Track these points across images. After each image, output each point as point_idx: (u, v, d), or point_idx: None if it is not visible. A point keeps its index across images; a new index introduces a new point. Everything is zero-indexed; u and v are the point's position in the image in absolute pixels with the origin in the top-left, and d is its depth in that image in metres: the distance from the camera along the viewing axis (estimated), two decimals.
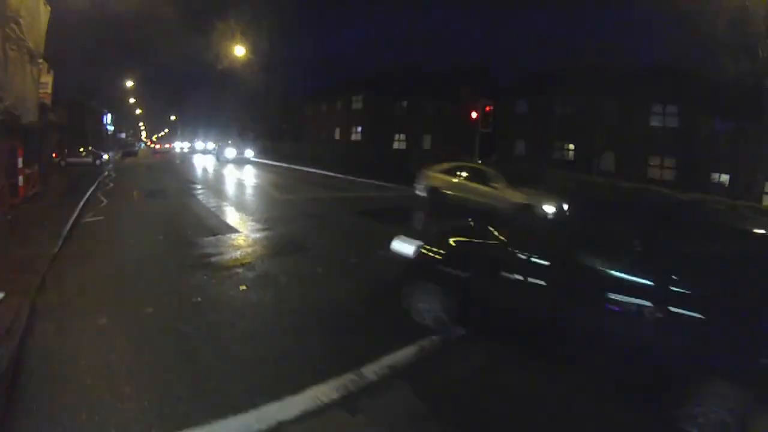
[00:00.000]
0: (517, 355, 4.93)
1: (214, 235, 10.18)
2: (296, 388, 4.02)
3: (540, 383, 4.47)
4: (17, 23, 11.79)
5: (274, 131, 55.88)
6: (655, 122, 30.01)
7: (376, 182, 22.54)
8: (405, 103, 42.37)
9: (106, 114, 61.88)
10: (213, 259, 8.25)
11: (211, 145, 67.00)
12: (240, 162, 37.41)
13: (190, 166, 35.90)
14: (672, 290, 3.79)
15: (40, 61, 15.21)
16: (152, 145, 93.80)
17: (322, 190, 19.49)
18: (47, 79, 18.43)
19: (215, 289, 6.73)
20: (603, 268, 4.24)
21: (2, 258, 8.08)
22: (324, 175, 27.79)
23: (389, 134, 41.89)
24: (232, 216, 12.61)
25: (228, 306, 6.09)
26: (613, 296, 4.04)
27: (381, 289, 6.79)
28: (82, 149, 34.78)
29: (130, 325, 5.55)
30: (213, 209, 13.74)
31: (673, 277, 3.83)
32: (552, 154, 32.73)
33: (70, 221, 11.25)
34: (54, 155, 30.72)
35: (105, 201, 15.49)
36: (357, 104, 45.79)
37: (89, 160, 34.16)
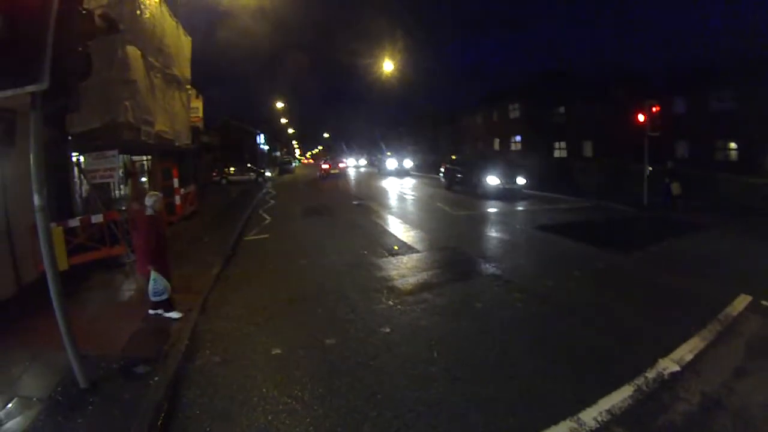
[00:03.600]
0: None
1: (392, 254, 9.37)
2: None
3: None
4: (160, 52, 12.39)
5: (431, 144, 55.59)
6: None
7: (547, 194, 20.27)
8: (562, 109, 39.90)
9: (260, 134, 67.18)
10: (396, 283, 7.45)
11: (363, 161, 67.90)
12: (400, 174, 36.52)
13: (349, 181, 35.28)
14: None
15: (188, 87, 16.13)
16: (306, 162, 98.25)
17: (492, 204, 17.47)
18: (197, 104, 19.78)
19: (404, 317, 6.03)
20: None
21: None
22: None
23: (549, 142, 39.66)
24: (406, 233, 11.58)
25: (422, 338, 5.36)
26: None
27: (586, 317, 5.89)
28: (232, 168, 36.70)
29: (310, 358, 4.90)
30: (384, 226, 12.87)
31: None
32: (714, 154, 28.83)
33: (232, 239, 11.33)
34: (214, 174, 33.52)
35: (268, 218, 15.38)
36: (514, 113, 44.46)
37: (251, 177, 36.03)
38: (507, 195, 18.92)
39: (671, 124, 28.71)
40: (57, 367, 4.48)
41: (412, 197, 20.71)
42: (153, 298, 5.89)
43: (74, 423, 3.73)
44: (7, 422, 3.79)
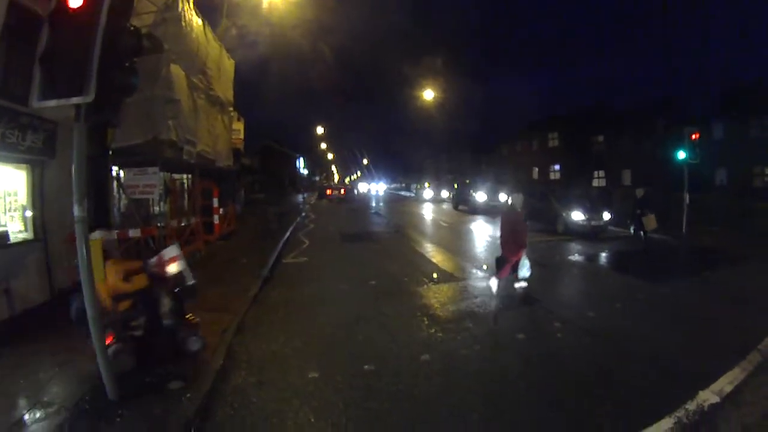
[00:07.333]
0: None
1: (433, 282, 9.38)
2: None
3: None
4: (204, 74, 12.77)
5: (470, 173, 55.22)
6: None
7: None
8: (601, 138, 41.06)
9: (299, 158, 68.57)
10: (436, 311, 7.47)
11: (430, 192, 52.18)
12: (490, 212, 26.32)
13: (387, 207, 35.77)
14: None
15: (230, 109, 16.56)
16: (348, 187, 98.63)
17: (535, 233, 16.38)
18: (238, 126, 20.32)
19: (444, 345, 6.03)
20: None
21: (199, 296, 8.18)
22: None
23: (588, 171, 40.84)
24: (448, 262, 11.54)
25: (462, 368, 5.34)
26: None
27: (627, 349, 5.92)
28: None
29: (347, 383, 4.87)
30: (425, 253, 12.82)
31: None
32: (752, 180, 28.92)
33: (271, 261, 11.44)
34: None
35: (307, 242, 15.48)
36: (553, 142, 46.31)
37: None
38: (591, 233, 16.39)
39: (709, 150, 28.73)
40: (85, 376, 4.54)
41: None
42: (526, 274, 8.25)
43: None
44: (31, 426, 3.82)
